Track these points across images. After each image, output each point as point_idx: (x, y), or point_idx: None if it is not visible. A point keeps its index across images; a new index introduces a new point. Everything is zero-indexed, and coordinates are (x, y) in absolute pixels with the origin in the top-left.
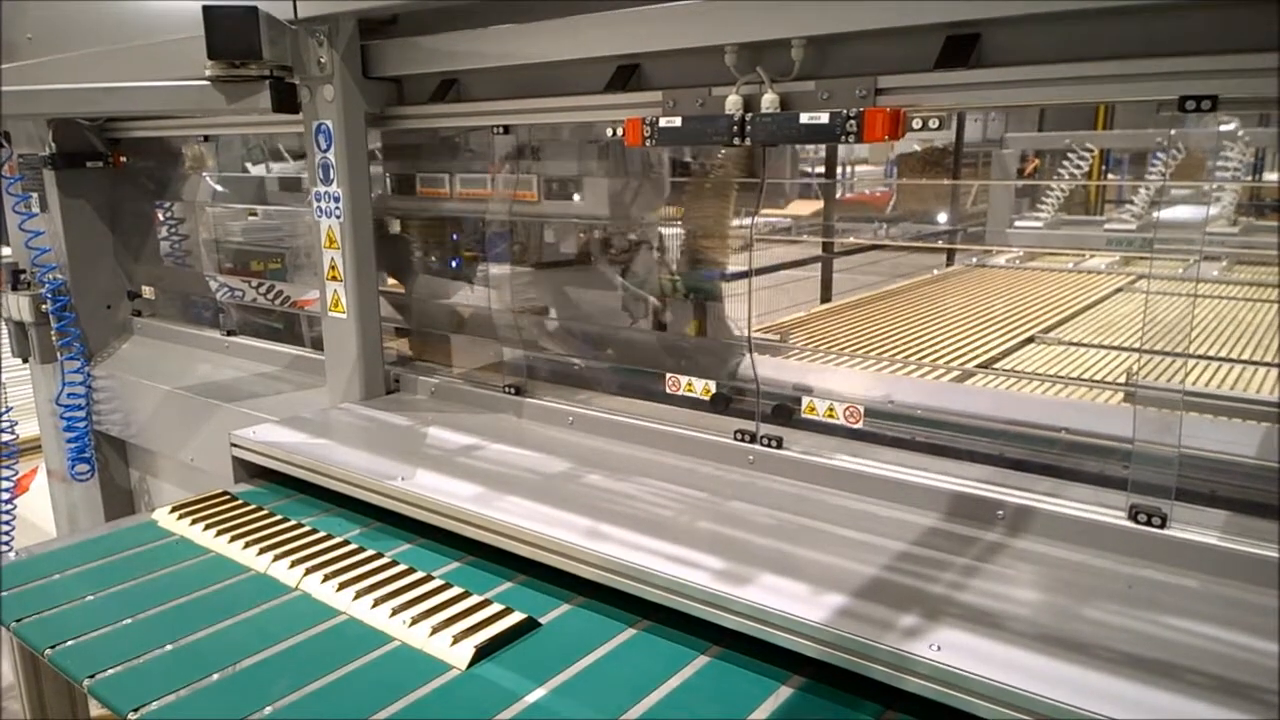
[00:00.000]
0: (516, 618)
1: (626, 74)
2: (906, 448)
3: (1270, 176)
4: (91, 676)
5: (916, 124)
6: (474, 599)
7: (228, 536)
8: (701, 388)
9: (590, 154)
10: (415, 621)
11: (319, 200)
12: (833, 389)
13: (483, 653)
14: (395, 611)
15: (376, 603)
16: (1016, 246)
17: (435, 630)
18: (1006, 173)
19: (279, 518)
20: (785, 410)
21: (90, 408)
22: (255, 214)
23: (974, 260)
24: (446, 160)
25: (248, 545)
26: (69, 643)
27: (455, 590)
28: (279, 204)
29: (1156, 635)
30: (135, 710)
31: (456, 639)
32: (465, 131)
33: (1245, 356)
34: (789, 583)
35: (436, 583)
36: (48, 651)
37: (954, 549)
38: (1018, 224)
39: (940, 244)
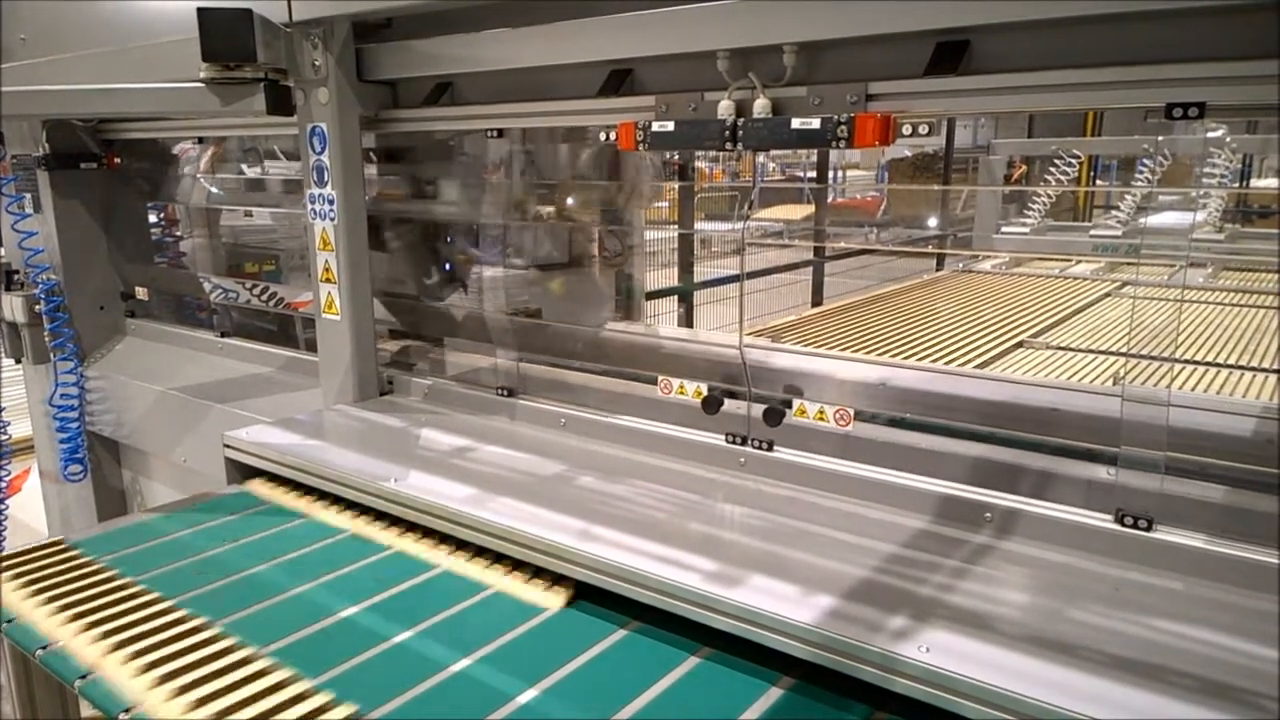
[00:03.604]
0: None
1: (619, 78)
2: (896, 450)
3: (1258, 182)
4: (82, 677)
5: (907, 130)
6: None
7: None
8: (693, 390)
9: None
10: None
11: (313, 202)
12: (825, 391)
13: None
14: None
15: None
16: (1003, 252)
17: None
18: (994, 178)
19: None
20: (776, 413)
21: (83, 408)
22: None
23: (960, 265)
24: None
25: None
26: (59, 643)
27: None
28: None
29: (1143, 637)
30: (126, 711)
31: None
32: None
33: (1231, 361)
34: (779, 584)
35: None
36: (38, 652)
37: (942, 551)
38: (1005, 230)
39: (930, 249)
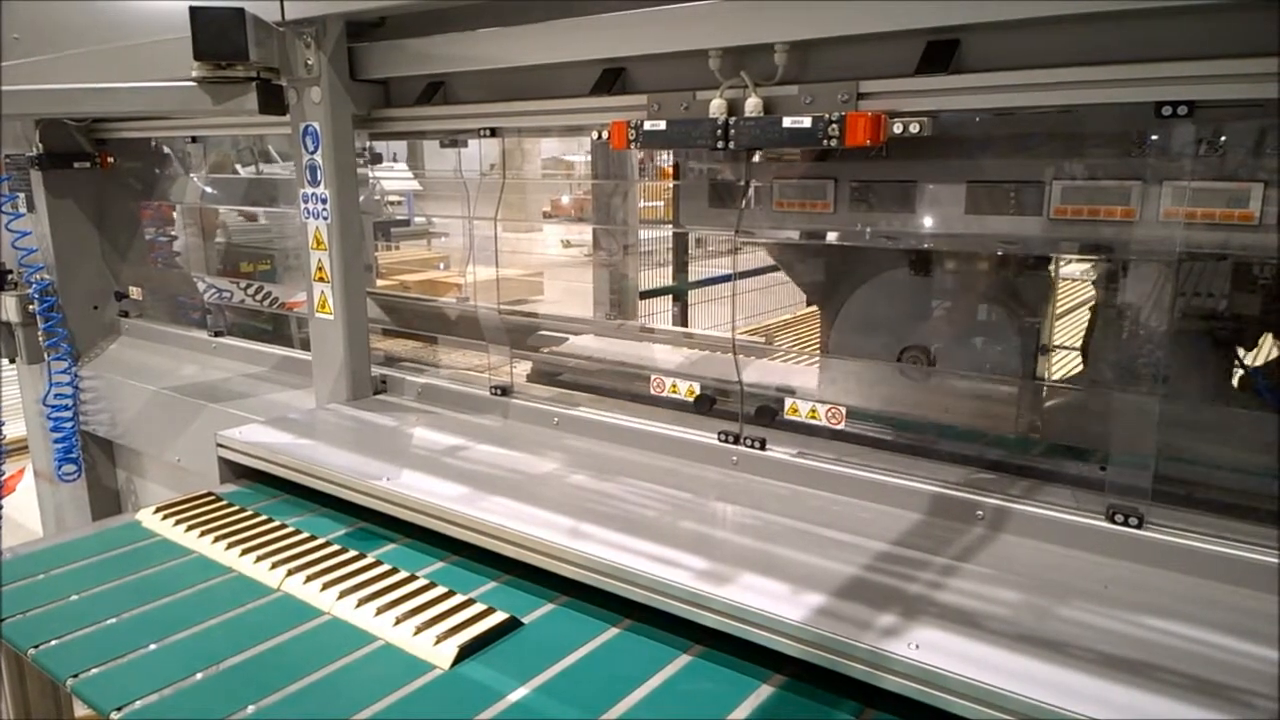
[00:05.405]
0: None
1: (612, 77)
2: (888, 448)
3: None
4: (75, 676)
5: (898, 128)
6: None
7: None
8: (686, 389)
9: None
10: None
11: (306, 202)
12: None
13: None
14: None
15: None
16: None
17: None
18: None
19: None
20: (768, 411)
21: (77, 408)
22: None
23: None
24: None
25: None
26: (52, 642)
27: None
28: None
29: (1133, 635)
30: (118, 709)
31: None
32: None
33: None
34: (770, 582)
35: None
36: (31, 651)
37: (933, 549)
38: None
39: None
